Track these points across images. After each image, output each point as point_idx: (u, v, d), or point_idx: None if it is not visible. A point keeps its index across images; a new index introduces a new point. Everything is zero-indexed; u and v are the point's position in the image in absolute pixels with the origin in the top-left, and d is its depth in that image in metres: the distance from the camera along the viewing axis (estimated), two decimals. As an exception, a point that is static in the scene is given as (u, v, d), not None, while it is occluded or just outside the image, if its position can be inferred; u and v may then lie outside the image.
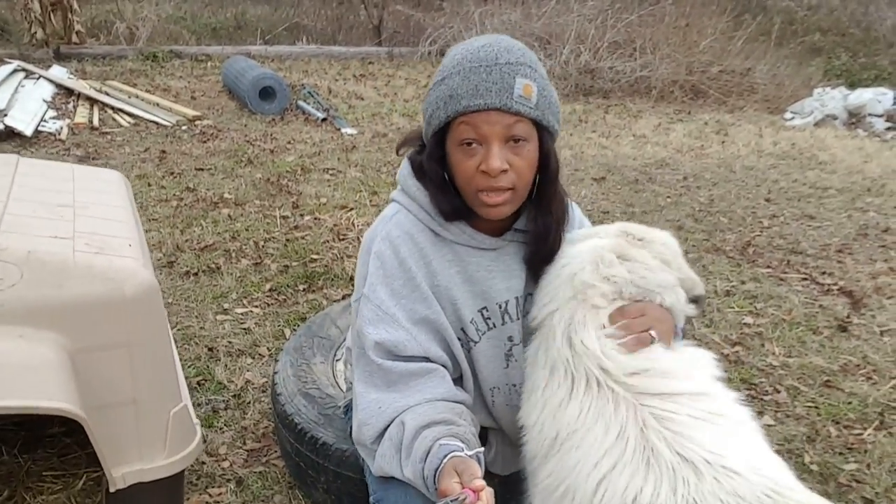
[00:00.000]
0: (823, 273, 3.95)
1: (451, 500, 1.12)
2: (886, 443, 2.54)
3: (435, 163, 1.41)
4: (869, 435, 2.58)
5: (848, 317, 3.42)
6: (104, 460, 1.62)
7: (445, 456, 1.24)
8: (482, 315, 1.51)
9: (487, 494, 1.15)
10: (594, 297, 1.35)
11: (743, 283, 3.76)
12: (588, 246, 1.43)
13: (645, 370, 1.24)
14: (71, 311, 1.53)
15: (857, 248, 4.36)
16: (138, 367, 1.64)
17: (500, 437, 1.67)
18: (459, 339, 1.51)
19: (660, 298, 1.38)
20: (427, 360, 1.43)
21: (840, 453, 2.49)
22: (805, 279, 3.86)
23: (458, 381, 1.53)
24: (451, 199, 1.42)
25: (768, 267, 4.01)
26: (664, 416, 1.16)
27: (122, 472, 1.67)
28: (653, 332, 1.30)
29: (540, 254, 1.50)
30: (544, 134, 1.38)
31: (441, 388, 1.41)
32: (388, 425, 1.38)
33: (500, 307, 1.52)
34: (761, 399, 2.77)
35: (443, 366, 1.46)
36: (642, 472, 1.11)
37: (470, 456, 1.25)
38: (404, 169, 1.51)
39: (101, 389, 1.60)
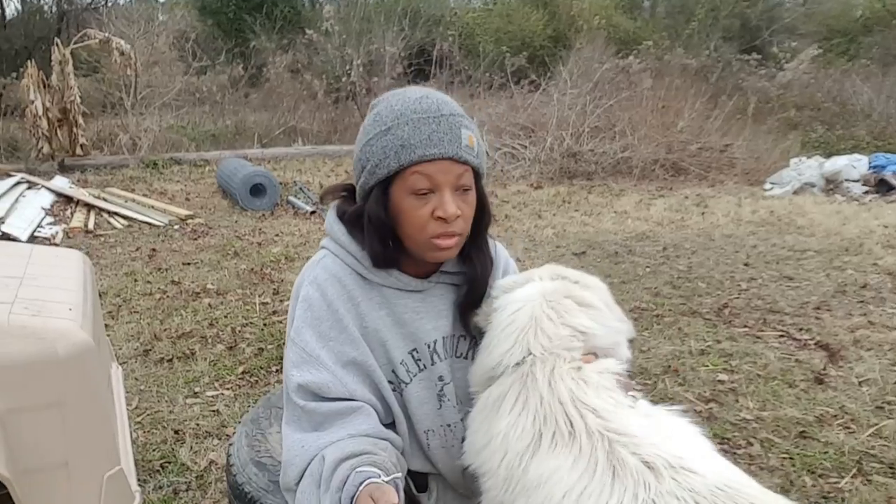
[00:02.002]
0: (801, 329, 3.94)
1: None
2: (865, 490, 2.46)
3: (381, 210, 1.42)
4: (846, 483, 2.51)
5: (824, 369, 3.38)
6: (32, 527, 1.60)
7: (362, 483, 1.23)
8: (412, 357, 1.52)
9: None
10: (569, 349, 1.35)
11: (718, 342, 3.75)
12: (535, 290, 1.44)
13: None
14: (2, 371, 1.56)
15: (836, 304, 4.35)
16: (71, 428, 1.64)
17: (441, 481, 1.64)
18: (391, 381, 1.51)
19: (620, 349, 1.40)
20: (353, 400, 1.43)
21: (816, 503, 2.41)
22: (782, 336, 3.84)
23: (391, 426, 1.52)
24: (386, 248, 1.45)
25: (745, 326, 4.00)
26: (630, 434, 1.18)
27: (53, 538, 1.64)
28: (633, 394, 1.30)
29: (473, 295, 1.53)
30: (480, 181, 1.45)
31: (365, 424, 1.40)
32: (311, 462, 1.37)
33: (429, 347, 1.53)
34: (734, 453, 2.71)
35: (368, 405, 1.45)
36: (608, 487, 1.12)
37: (387, 482, 1.24)
38: (331, 216, 1.55)
39: (31, 452, 1.61)
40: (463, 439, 1.48)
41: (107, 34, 11.34)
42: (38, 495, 1.61)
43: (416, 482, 1.62)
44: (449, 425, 1.56)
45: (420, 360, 1.53)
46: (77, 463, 1.66)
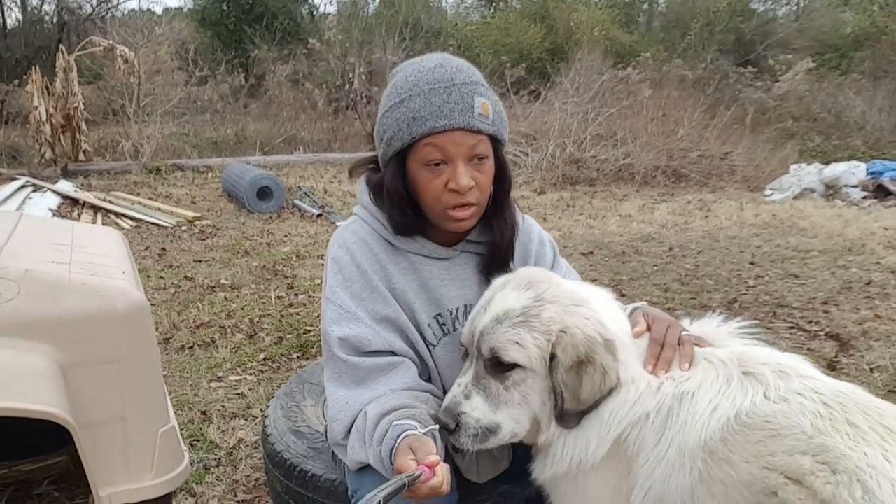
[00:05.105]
0: (810, 322, 4.01)
1: (407, 477, 1.14)
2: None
3: (399, 182, 1.46)
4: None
5: (836, 357, 3.45)
6: (92, 479, 1.64)
7: (399, 435, 1.27)
8: (437, 321, 1.56)
9: (443, 469, 1.18)
10: None
11: (730, 332, 3.81)
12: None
13: None
14: (64, 325, 1.61)
15: (842, 299, 4.43)
16: (128, 383, 1.69)
17: None
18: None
19: None
20: (393, 353, 1.47)
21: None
22: (792, 327, 3.91)
23: (428, 381, 1.56)
24: (406, 217, 1.48)
25: (755, 319, 4.06)
26: (755, 355, 1.33)
27: (109, 492, 1.68)
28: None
29: (497, 260, 1.56)
30: (499, 147, 1.48)
31: (406, 378, 1.45)
32: (356, 419, 1.42)
33: (452, 314, 1.57)
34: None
35: (409, 359, 1.50)
36: (742, 388, 1.27)
37: (424, 433, 1.28)
38: (361, 186, 1.59)
39: (91, 405, 1.65)
40: None
41: (111, 42, 11.43)
42: (96, 448, 1.65)
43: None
44: None
45: (444, 324, 1.57)
46: (133, 418, 1.71)
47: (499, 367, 1.34)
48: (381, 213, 1.52)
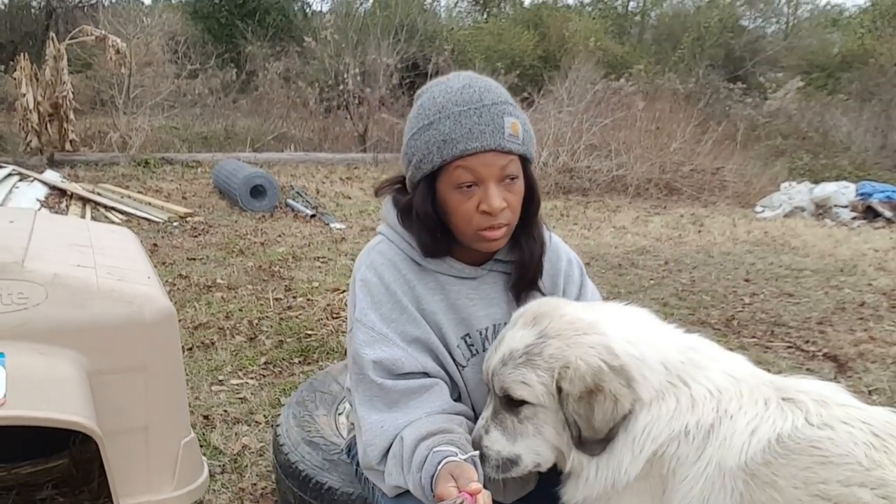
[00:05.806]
0: (807, 342, 4.05)
1: None
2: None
3: (428, 204, 1.45)
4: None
5: (835, 378, 3.48)
6: (115, 489, 1.61)
7: (440, 462, 1.26)
8: (465, 342, 1.55)
9: (484, 497, 1.17)
10: None
11: (730, 350, 3.83)
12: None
13: None
14: (92, 332, 1.57)
15: (837, 320, 4.49)
16: (152, 392, 1.66)
17: None
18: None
19: None
20: (425, 375, 1.46)
21: None
22: (790, 347, 3.95)
23: (458, 401, 1.55)
24: (436, 240, 1.47)
25: (753, 337, 4.11)
26: (793, 384, 1.37)
27: (129, 503, 1.65)
28: None
29: (525, 279, 1.55)
30: (528, 166, 1.47)
31: (439, 401, 1.44)
32: (392, 444, 1.40)
33: (481, 333, 1.56)
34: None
35: (441, 380, 1.48)
36: (782, 413, 1.28)
37: (465, 460, 1.27)
38: (387, 205, 1.57)
39: (114, 414, 1.61)
40: None
41: (103, 31, 11.25)
42: (119, 458, 1.61)
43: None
44: None
45: (472, 345, 1.56)
46: (156, 428, 1.67)
47: (511, 402, 1.40)
48: (408, 233, 1.50)
